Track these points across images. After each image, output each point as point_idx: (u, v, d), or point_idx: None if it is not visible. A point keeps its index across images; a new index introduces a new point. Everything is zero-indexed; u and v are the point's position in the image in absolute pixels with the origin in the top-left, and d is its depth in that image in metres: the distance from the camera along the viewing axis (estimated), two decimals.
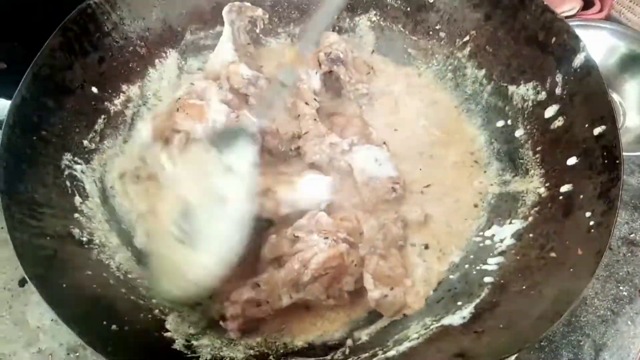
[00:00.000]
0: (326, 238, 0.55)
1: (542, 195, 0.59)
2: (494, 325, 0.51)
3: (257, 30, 0.78)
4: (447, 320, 0.54)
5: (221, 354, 0.53)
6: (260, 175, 0.57)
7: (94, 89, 0.66)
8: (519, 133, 0.65)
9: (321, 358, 0.53)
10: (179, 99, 0.67)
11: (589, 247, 0.50)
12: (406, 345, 0.53)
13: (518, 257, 0.56)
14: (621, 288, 0.65)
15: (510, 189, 0.63)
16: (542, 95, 0.62)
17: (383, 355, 0.52)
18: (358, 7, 0.79)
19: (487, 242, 0.61)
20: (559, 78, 0.60)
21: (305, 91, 0.69)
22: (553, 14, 0.62)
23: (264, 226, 0.60)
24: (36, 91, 0.58)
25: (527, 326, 0.48)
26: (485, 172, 0.68)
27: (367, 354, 0.53)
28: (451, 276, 0.60)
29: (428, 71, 0.76)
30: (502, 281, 0.55)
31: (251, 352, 0.54)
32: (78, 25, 0.64)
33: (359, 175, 0.63)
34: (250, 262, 0.58)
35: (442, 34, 0.75)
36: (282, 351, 0.54)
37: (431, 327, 0.54)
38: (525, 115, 0.65)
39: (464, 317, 0.53)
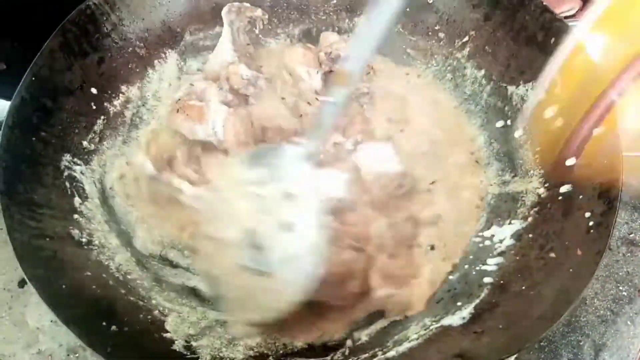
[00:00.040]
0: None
1: (542, 195, 0.59)
2: (494, 325, 0.51)
3: (257, 31, 0.78)
4: (446, 321, 0.54)
5: (221, 354, 0.53)
6: None
7: (94, 90, 0.66)
8: (518, 133, 0.65)
9: (321, 359, 0.53)
10: (179, 100, 0.67)
11: (589, 248, 0.50)
12: (406, 345, 0.53)
13: (517, 258, 0.56)
14: (621, 288, 0.65)
15: (510, 189, 0.63)
16: (542, 96, 0.62)
17: (383, 356, 0.52)
18: (357, 7, 0.79)
19: (487, 242, 0.61)
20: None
21: (307, 91, 0.69)
22: (552, 14, 0.62)
23: None
24: (35, 92, 0.58)
25: (527, 326, 0.48)
26: (485, 172, 0.68)
27: (366, 355, 0.53)
28: (451, 277, 0.60)
29: (427, 71, 0.76)
30: (501, 282, 0.55)
31: (250, 352, 0.54)
32: (77, 26, 0.64)
33: (367, 173, 0.63)
34: None
35: (441, 35, 0.75)
36: (281, 352, 0.54)
37: (431, 327, 0.54)
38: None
39: (463, 318, 0.53)
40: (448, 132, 0.71)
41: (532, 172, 0.61)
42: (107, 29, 0.68)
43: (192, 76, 0.75)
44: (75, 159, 0.62)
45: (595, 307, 0.64)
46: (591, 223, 0.51)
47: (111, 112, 0.68)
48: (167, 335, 0.53)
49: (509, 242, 0.59)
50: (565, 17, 0.86)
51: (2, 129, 0.54)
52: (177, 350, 0.52)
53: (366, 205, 0.62)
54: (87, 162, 0.63)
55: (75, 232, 0.57)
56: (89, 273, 0.54)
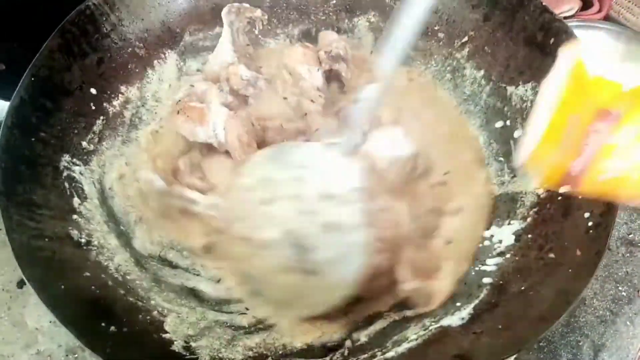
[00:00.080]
0: None
1: (541, 196, 0.59)
2: (493, 326, 0.51)
3: (256, 31, 0.78)
4: (446, 321, 0.54)
5: (220, 355, 0.53)
6: None
7: (93, 90, 0.66)
8: (517, 134, 0.65)
9: (320, 359, 0.53)
10: (179, 101, 0.67)
11: (588, 248, 0.50)
12: (405, 346, 0.53)
13: (517, 258, 0.56)
14: (620, 288, 0.65)
15: (509, 189, 0.63)
16: None
17: (382, 357, 0.52)
18: (357, 8, 0.79)
19: (486, 242, 0.61)
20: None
21: (309, 89, 0.69)
22: (552, 15, 0.62)
23: None
24: (35, 92, 0.58)
25: (526, 327, 0.48)
26: (486, 171, 0.67)
27: (365, 355, 0.53)
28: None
29: (427, 72, 0.76)
30: (501, 282, 0.55)
31: (250, 353, 0.54)
32: (77, 27, 0.64)
33: (380, 161, 0.62)
34: None
35: (440, 35, 0.75)
36: (280, 352, 0.54)
37: (430, 328, 0.54)
38: (524, 116, 0.65)
39: (462, 318, 0.53)
40: (448, 132, 0.71)
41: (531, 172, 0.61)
42: (106, 29, 0.68)
43: (192, 77, 0.75)
44: (74, 160, 0.62)
45: (595, 307, 0.64)
46: (590, 223, 0.51)
47: (110, 112, 0.68)
48: (166, 335, 0.53)
49: (508, 242, 0.59)
50: (565, 18, 0.87)
51: (1, 129, 0.54)
52: (176, 350, 0.51)
53: (386, 193, 0.60)
54: (86, 163, 0.63)
55: (74, 233, 0.57)
56: (88, 273, 0.54)
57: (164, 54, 0.75)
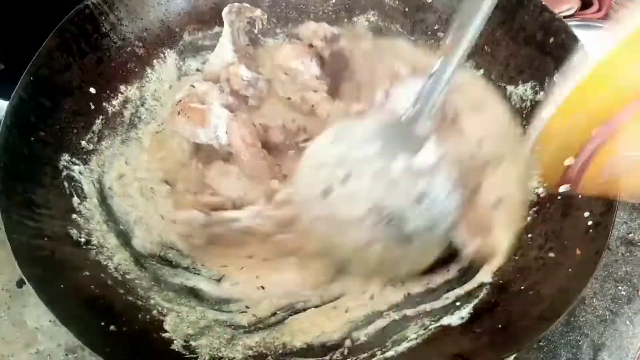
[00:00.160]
0: None
1: (541, 195, 0.59)
2: (493, 325, 0.51)
3: (256, 31, 0.78)
4: (445, 321, 0.54)
5: (220, 354, 0.53)
6: None
7: (92, 90, 0.66)
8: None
9: (319, 358, 0.53)
10: (180, 101, 0.67)
11: (588, 247, 0.50)
12: (405, 345, 0.53)
13: (517, 258, 0.56)
14: (620, 288, 0.65)
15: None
16: (541, 96, 0.62)
17: (382, 356, 0.52)
18: (356, 7, 0.79)
19: None
20: (557, 78, 0.60)
21: (308, 80, 0.69)
22: (551, 14, 0.62)
23: None
24: (34, 92, 0.58)
25: (526, 326, 0.48)
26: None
27: (365, 355, 0.53)
28: (450, 275, 0.60)
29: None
30: (500, 281, 0.55)
31: (250, 352, 0.54)
32: (76, 26, 0.64)
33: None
34: None
35: (440, 34, 0.74)
36: (280, 351, 0.54)
37: (430, 327, 0.54)
38: (524, 116, 0.65)
39: (462, 318, 0.53)
40: None
41: (530, 172, 0.61)
42: (105, 28, 0.68)
43: (192, 77, 0.75)
44: (73, 159, 0.62)
45: (594, 306, 0.64)
46: (590, 223, 0.51)
47: (110, 112, 0.68)
48: (166, 335, 0.53)
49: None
50: (565, 17, 0.86)
51: (0, 128, 0.54)
52: (176, 350, 0.51)
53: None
54: (85, 162, 0.63)
55: (74, 232, 0.57)
56: (87, 273, 0.54)
57: (163, 53, 0.74)
